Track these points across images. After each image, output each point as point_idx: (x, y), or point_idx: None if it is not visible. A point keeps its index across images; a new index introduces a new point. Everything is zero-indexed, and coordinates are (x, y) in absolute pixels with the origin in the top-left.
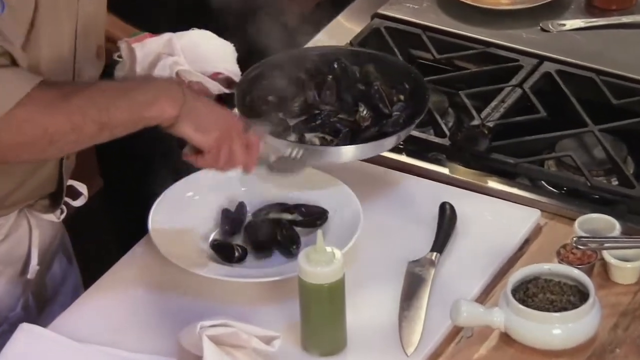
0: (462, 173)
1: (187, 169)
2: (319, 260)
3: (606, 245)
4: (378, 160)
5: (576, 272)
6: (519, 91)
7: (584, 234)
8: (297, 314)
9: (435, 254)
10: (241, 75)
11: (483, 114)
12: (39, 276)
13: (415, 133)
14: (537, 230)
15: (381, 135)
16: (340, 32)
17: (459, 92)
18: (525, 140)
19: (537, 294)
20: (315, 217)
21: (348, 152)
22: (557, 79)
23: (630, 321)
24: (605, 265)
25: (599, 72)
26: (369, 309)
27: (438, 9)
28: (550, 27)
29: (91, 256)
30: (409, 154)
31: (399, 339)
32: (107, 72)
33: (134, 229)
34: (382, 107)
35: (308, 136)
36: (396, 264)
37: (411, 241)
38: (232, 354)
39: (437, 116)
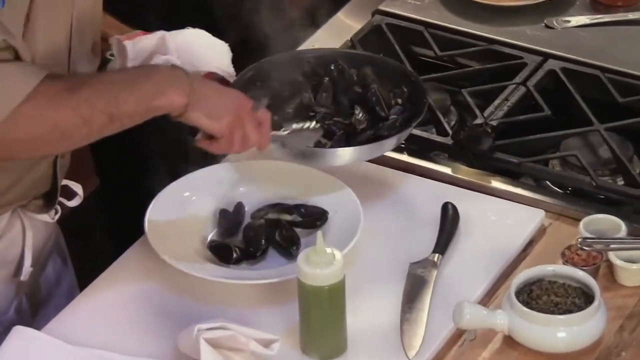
0: (465, 173)
1: (185, 168)
2: (318, 262)
3: (612, 246)
4: (379, 160)
5: (581, 274)
6: (522, 89)
7: (589, 235)
8: (297, 317)
9: (437, 255)
10: (236, 75)
11: (486, 113)
12: (32, 278)
13: (417, 132)
14: (541, 231)
15: (377, 138)
16: (341, 28)
17: (462, 90)
18: (529, 139)
19: (541, 296)
20: (315, 217)
21: (344, 155)
22: (562, 76)
23: (637, 324)
24: (610, 266)
25: (604, 70)
26: (369, 312)
27: (440, 5)
28: (555, 23)
29: (86, 257)
30: (410, 153)
31: (401, 342)
32: (100, 70)
33: (130, 230)
34: (379, 110)
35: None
36: (397, 266)
37: (413, 242)
38: (230, 357)
39: (439, 115)
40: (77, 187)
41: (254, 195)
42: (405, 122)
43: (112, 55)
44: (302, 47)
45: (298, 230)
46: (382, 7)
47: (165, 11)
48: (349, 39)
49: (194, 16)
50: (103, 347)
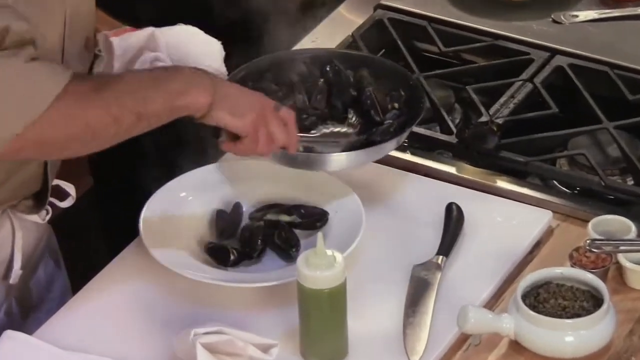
0: (470, 172)
1: (182, 167)
2: (319, 264)
3: (621, 248)
4: (381, 159)
5: (590, 277)
6: (529, 86)
7: (597, 236)
8: (296, 321)
9: (441, 257)
10: (228, 74)
11: (492, 110)
12: (22, 281)
13: (420, 130)
14: (548, 233)
15: (369, 143)
16: (341, 24)
17: (467, 87)
18: (536, 137)
19: (548, 300)
20: (315, 218)
21: (334, 161)
22: (570, 73)
23: None
24: (620, 269)
25: (613, 66)
26: (371, 315)
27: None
28: (563, 18)
29: (80, 259)
30: (413, 152)
31: (404, 347)
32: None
33: (124, 231)
34: (374, 114)
35: None
36: (400, 268)
37: (416, 244)
38: None
39: (443, 112)
40: (70, 188)
41: (252, 196)
42: (400, 128)
43: (100, 51)
44: (302, 43)
45: (297, 231)
46: (384, 1)
47: (160, 7)
48: (350, 34)
49: (188, 12)
50: (96, 352)
